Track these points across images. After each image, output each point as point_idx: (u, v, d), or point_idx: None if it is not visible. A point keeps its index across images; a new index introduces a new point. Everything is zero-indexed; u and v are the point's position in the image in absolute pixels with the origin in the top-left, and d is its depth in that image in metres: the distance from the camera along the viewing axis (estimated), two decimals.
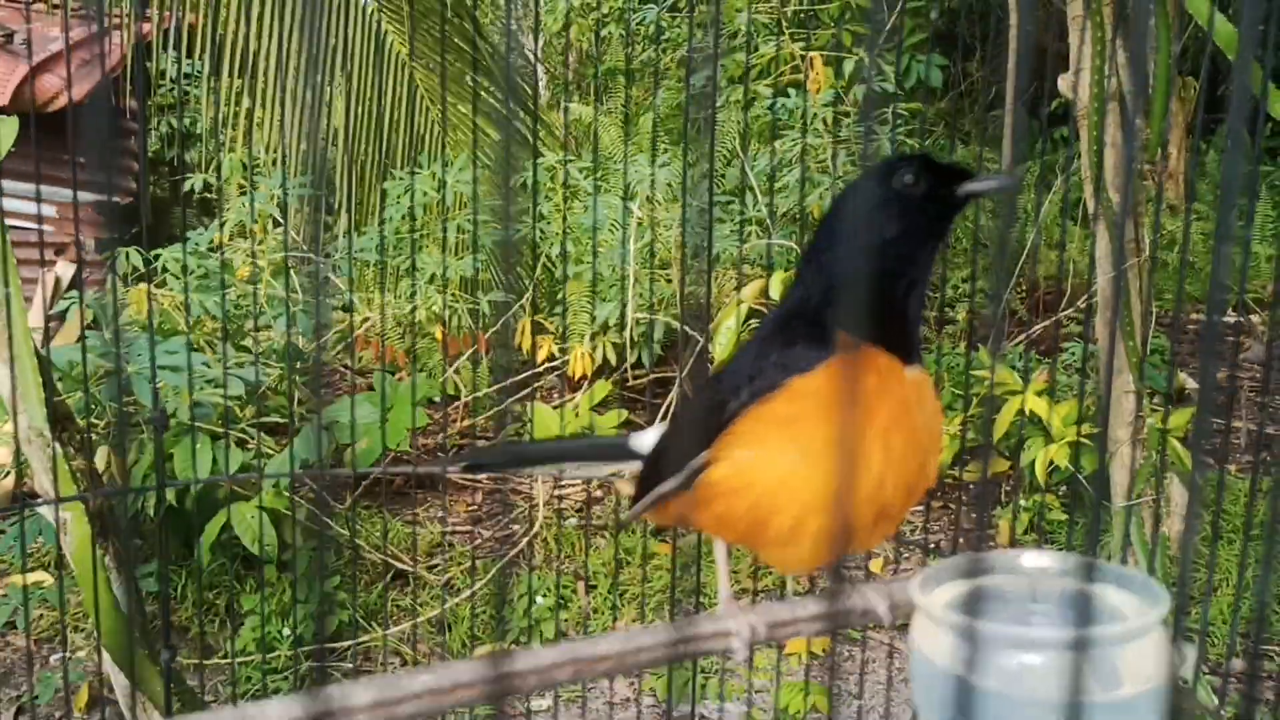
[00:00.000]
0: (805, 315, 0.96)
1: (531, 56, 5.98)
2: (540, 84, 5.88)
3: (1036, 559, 0.86)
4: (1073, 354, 4.07)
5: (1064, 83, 2.90)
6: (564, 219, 3.75)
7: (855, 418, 0.88)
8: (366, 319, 4.19)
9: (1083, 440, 2.96)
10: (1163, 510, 2.51)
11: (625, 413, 3.41)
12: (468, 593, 2.99)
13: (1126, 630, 0.77)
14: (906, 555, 3.13)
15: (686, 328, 3.70)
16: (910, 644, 0.83)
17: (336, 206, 5.06)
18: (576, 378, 3.80)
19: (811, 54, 3.86)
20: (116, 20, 4.93)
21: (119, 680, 2.13)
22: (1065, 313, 3.82)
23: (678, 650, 0.93)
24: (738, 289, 2.98)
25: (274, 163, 4.51)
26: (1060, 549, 2.92)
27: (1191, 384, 3.66)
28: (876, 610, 0.98)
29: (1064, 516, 3.16)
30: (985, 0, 5.07)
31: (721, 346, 2.90)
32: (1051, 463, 2.92)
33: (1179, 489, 2.53)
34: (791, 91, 4.19)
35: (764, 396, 0.93)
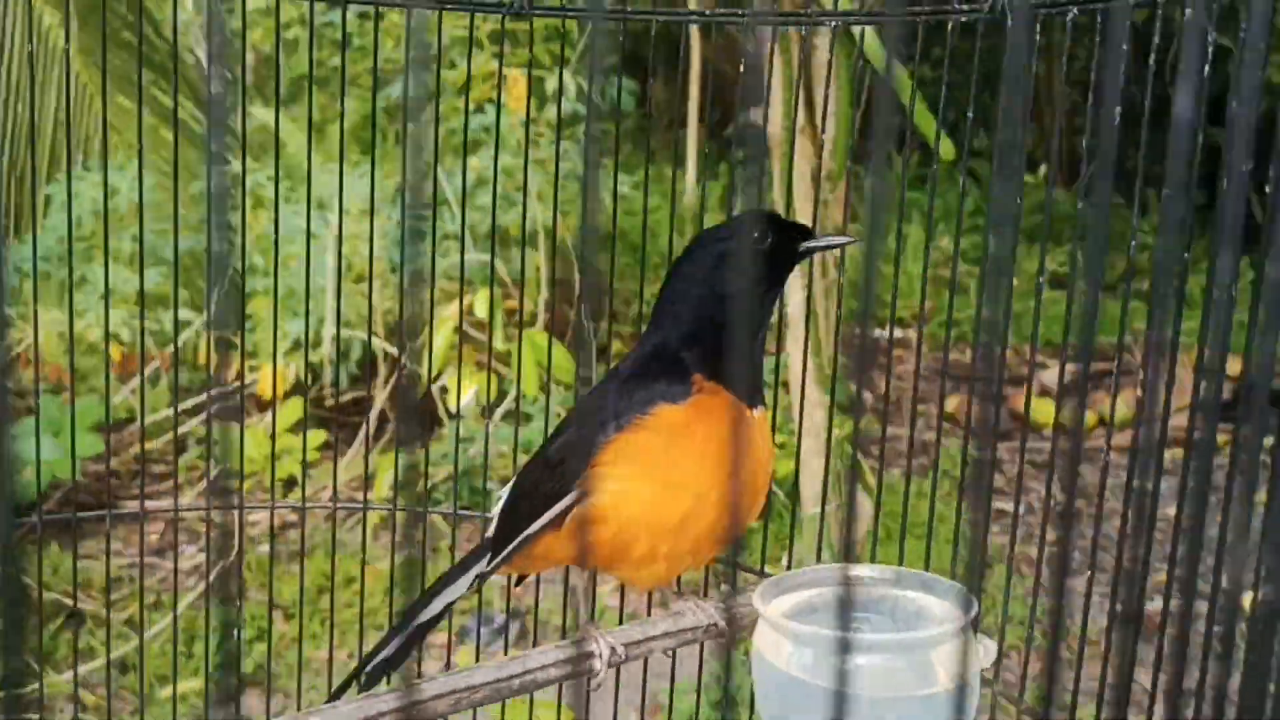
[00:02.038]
0: (665, 357, 1.05)
1: (204, 57, 5.65)
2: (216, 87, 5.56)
3: (863, 571, 1.00)
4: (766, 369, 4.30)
5: (755, 114, 3.08)
6: (246, 229, 3.57)
7: (716, 451, 1.00)
8: (21, 338, 3.81)
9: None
10: (853, 515, 2.71)
11: (324, 433, 3.30)
12: (153, 630, 2.78)
13: (943, 632, 0.88)
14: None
15: (385, 345, 3.62)
16: (754, 650, 0.91)
17: None
18: (266, 398, 3.62)
19: (510, 71, 3.88)
20: None
21: None
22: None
23: (534, 679, 0.97)
24: (432, 304, 2.94)
25: None
26: (752, 555, 3.09)
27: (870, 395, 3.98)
28: (719, 624, 1.06)
29: (757, 525, 3.34)
30: (668, 28, 5.31)
31: (437, 367, 2.86)
32: None
33: (866, 496, 2.75)
34: (487, 107, 4.19)
35: (632, 424, 1.01)
